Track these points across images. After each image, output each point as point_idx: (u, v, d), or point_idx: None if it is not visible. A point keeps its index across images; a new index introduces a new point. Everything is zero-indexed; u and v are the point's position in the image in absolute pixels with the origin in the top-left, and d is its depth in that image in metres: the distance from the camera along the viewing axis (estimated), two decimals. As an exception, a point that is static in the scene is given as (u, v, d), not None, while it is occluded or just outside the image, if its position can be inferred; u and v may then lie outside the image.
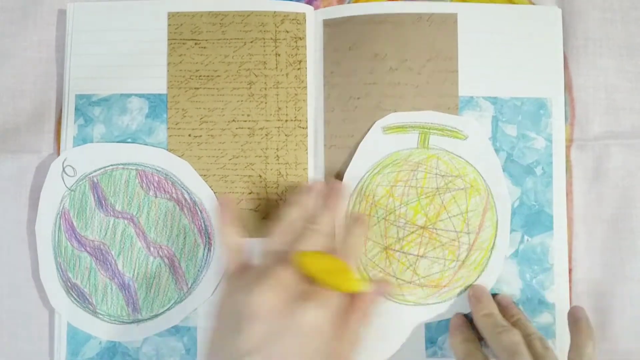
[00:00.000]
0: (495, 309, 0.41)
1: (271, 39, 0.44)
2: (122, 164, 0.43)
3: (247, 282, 0.35)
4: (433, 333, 0.43)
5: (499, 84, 0.44)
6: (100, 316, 0.43)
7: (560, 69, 0.44)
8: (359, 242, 0.42)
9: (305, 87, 0.44)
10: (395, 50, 0.44)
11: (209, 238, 0.43)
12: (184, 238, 0.43)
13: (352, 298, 0.37)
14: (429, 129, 0.43)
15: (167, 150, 0.44)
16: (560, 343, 0.42)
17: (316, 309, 0.34)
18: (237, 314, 0.34)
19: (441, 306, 0.43)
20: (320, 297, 0.34)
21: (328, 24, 0.45)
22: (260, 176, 0.44)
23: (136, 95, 0.44)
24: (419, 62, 0.44)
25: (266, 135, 0.44)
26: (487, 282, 0.43)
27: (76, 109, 0.44)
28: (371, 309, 0.38)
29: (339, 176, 0.44)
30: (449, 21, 0.44)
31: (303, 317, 0.33)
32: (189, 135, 0.44)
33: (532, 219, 0.43)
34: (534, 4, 0.45)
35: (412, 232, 0.43)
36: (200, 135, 0.44)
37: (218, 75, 0.44)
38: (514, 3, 0.45)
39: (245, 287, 0.34)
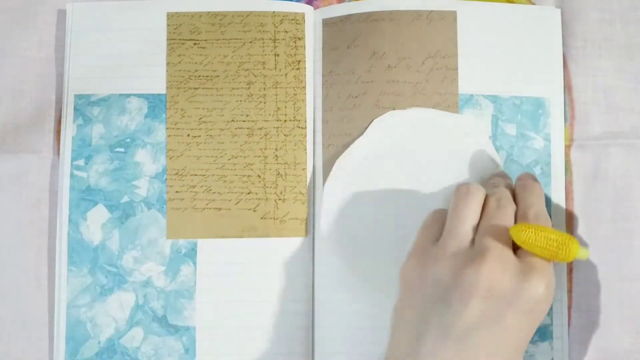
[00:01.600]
0: None
1: (270, 39, 0.44)
2: None
3: (461, 257, 0.34)
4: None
5: (498, 82, 0.44)
6: None
7: (559, 69, 0.44)
8: (541, 204, 0.38)
9: (305, 87, 0.44)
10: (393, 48, 0.44)
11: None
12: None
13: None
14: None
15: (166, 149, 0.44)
16: (559, 344, 0.42)
17: (541, 280, 0.33)
18: (453, 288, 0.33)
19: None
20: (543, 268, 0.33)
21: (327, 23, 0.45)
22: (259, 176, 0.44)
23: (135, 95, 0.44)
24: (417, 59, 0.44)
25: (265, 135, 0.44)
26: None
27: (75, 109, 0.44)
28: None
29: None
30: (448, 19, 0.44)
31: (530, 290, 0.32)
32: (188, 135, 0.44)
33: (531, 219, 0.43)
34: (533, 3, 0.45)
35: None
36: (199, 135, 0.44)
37: (217, 76, 0.44)
38: (513, 2, 0.45)
39: (465, 262, 0.33)
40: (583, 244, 0.42)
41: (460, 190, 0.37)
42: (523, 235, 0.33)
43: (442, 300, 0.33)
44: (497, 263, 0.33)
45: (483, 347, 0.32)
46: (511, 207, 0.36)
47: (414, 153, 0.43)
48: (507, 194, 0.37)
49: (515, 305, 0.32)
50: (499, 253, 0.33)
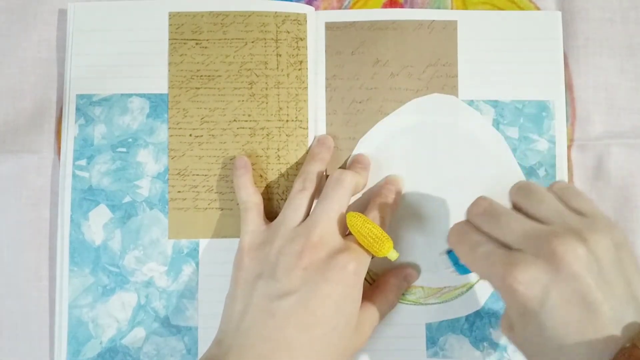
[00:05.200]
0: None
1: (272, 39, 0.44)
2: None
3: (289, 235, 0.38)
4: (434, 333, 0.43)
5: (500, 88, 0.44)
6: None
7: (561, 72, 0.44)
8: (388, 205, 0.41)
9: (306, 88, 0.44)
10: (396, 56, 0.44)
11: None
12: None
13: (380, 278, 0.42)
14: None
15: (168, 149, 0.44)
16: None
17: (351, 259, 0.36)
18: (276, 262, 0.37)
19: (442, 306, 0.43)
20: (357, 251, 0.37)
21: (330, 28, 0.45)
22: (261, 176, 0.44)
23: (137, 95, 0.44)
24: (419, 68, 0.44)
25: (267, 135, 0.44)
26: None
27: (77, 109, 0.44)
28: (394, 294, 0.42)
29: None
30: (449, 28, 0.45)
31: (339, 263, 0.36)
32: (190, 135, 0.44)
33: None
34: (535, 4, 0.45)
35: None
36: (201, 135, 0.44)
37: (219, 75, 0.44)
38: (515, 4, 0.45)
39: (293, 238, 0.37)
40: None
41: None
42: (352, 222, 0.37)
43: (269, 276, 0.36)
44: (319, 239, 0.37)
45: (294, 318, 0.35)
46: (344, 191, 0.39)
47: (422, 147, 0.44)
48: (346, 180, 0.40)
49: (326, 274, 0.35)
50: (324, 230, 0.37)
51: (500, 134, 0.44)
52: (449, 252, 0.38)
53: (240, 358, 0.35)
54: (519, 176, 0.44)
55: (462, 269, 0.37)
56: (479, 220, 0.34)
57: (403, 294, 0.43)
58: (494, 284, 0.32)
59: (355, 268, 0.36)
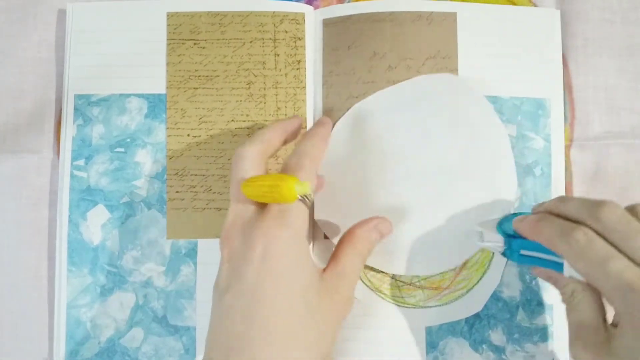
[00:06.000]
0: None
1: (270, 39, 0.44)
2: None
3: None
4: (434, 337, 0.43)
5: (499, 84, 0.44)
6: None
7: (558, 71, 0.44)
8: (311, 144, 0.38)
9: (304, 87, 0.44)
10: (394, 48, 0.44)
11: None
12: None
13: (346, 232, 0.38)
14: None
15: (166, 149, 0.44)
16: (559, 344, 0.42)
17: (264, 233, 0.33)
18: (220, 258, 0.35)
19: (442, 309, 0.43)
20: (270, 218, 0.34)
21: (327, 23, 0.45)
22: (259, 176, 0.44)
23: (135, 95, 0.44)
24: (418, 60, 0.44)
25: (265, 135, 0.44)
26: (489, 284, 0.43)
27: (75, 109, 0.44)
28: (363, 244, 0.37)
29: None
30: (449, 20, 0.44)
31: (252, 243, 0.33)
32: (188, 135, 0.44)
33: (532, 219, 0.43)
34: (534, 4, 0.45)
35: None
36: (200, 135, 0.44)
37: (217, 75, 0.44)
38: (514, 3, 0.45)
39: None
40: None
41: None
42: (247, 191, 0.34)
43: (216, 278, 0.35)
44: (231, 222, 0.35)
45: (237, 308, 0.33)
46: (244, 166, 0.36)
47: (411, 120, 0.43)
48: (242, 153, 0.36)
49: (249, 256, 0.33)
50: (235, 212, 0.35)
51: (503, 126, 0.43)
52: (510, 236, 0.37)
53: None
54: (512, 172, 0.43)
55: (517, 257, 0.36)
56: (611, 229, 0.32)
57: (402, 297, 0.43)
58: (624, 301, 0.31)
59: (268, 239, 0.33)
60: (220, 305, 0.34)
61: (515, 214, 0.38)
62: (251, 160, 0.36)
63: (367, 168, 0.43)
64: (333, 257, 0.37)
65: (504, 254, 0.38)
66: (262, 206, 0.35)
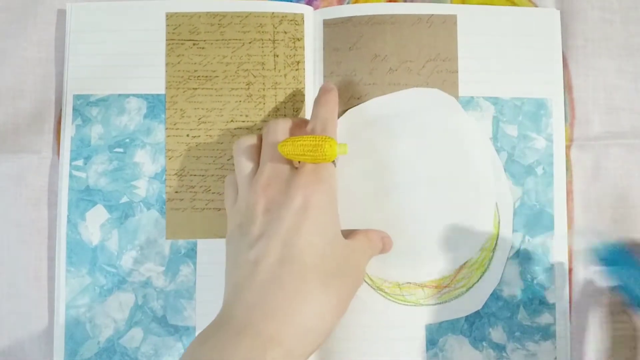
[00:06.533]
0: None
1: (269, 39, 0.44)
2: None
3: (246, 188, 0.38)
4: (434, 334, 0.43)
5: (499, 85, 0.44)
6: None
7: (559, 70, 0.44)
8: (328, 110, 0.40)
9: (304, 88, 0.44)
10: (395, 51, 0.44)
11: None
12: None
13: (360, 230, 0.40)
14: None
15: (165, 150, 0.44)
16: (561, 344, 0.42)
17: (305, 185, 0.36)
18: (247, 213, 0.37)
19: (442, 307, 0.43)
20: (307, 174, 0.37)
21: (328, 24, 0.45)
22: (258, 176, 0.44)
23: (134, 95, 0.44)
24: (418, 62, 0.44)
25: (264, 135, 0.44)
26: (489, 282, 0.43)
27: (74, 109, 0.44)
28: (376, 244, 0.40)
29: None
30: (449, 22, 0.44)
31: (293, 194, 0.36)
32: (187, 135, 0.44)
33: (533, 219, 0.43)
34: (534, 3, 0.45)
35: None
36: (199, 136, 0.44)
37: (216, 76, 0.44)
38: (514, 3, 0.45)
39: (248, 189, 0.38)
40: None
41: (235, 147, 0.40)
42: (285, 149, 0.37)
43: (241, 234, 0.37)
44: (267, 177, 0.37)
45: (273, 249, 0.35)
46: (278, 133, 0.39)
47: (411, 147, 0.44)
48: (275, 125, 0.39)
49: (289, 205, 0.36)
50: (271, 169, 0.38)
51: (493, 148, 0.44)
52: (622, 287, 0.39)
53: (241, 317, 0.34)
54: (490, 191, 0.43)
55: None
56: None
57: (403, 295, 0.43)
58: None
59: (307, 194, 0.36)
60: (250, 252, 0.35)
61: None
62: (284, 125, 0.40)
63: (360, 174, 0.43)
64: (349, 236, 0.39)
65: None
66: (294, 166, 0.38)
